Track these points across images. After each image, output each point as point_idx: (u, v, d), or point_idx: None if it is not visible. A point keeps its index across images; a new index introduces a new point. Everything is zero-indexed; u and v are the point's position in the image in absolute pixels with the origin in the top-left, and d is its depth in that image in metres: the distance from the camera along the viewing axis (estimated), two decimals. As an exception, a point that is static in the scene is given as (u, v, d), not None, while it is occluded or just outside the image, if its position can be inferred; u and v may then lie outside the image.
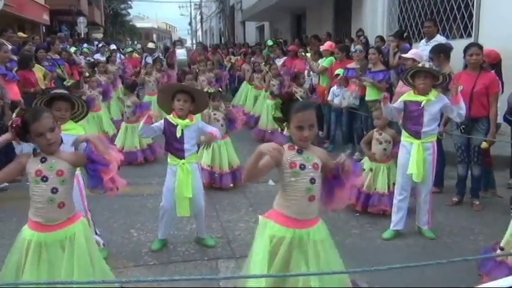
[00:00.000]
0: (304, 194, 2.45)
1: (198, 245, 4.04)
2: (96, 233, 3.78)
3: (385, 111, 4.17)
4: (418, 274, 3.37)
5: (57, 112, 3.33)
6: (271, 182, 5.49)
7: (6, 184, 5.14)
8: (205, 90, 5.75)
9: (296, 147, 2.48)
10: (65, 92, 3.81)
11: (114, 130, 7.73)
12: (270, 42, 12.59)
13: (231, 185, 5.61)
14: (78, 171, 3.19)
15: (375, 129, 4.89)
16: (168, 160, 3.90)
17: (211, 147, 5.59)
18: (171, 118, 3.80)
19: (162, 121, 3.84)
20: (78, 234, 2.61)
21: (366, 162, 4.81)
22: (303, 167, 2.44)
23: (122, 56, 13.54)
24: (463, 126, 4.83)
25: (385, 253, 3.92)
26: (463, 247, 3.97)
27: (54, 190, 2.52)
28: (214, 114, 5.64)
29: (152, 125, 3.81)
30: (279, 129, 2.86)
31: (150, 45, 13.22)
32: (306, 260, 2.43)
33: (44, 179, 2.52)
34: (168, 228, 4.01)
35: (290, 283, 2.41)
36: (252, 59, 11.36)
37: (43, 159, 2.54)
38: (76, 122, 3.54)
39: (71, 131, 3.39)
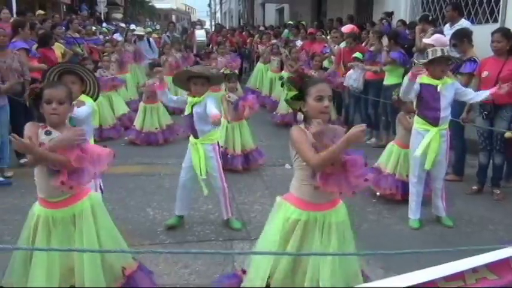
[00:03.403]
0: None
1: (213, 225, 4.06)
2: None
3: (407, 88, 3.93)
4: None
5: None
6: (287, 166, 5.47)
7: (26, 160, 5.21)
8: (222, 71, 5.72)
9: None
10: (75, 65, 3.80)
11: (125, 110, 7.76)
12: (294, 22, 12.35)
13: (240, 167, 5.56)
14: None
15: (401, 113, 4.72)
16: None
17: (225, 128, 5.57)
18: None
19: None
20: (86, 212, 2.51)
21: (395, 149, 4.72)
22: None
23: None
24: (486, 113, 4.72)
25: (401, 240, 3.88)
26: (481, 237, 3.90)
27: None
28: (228, 96, 5.60)
29: (169, 95, 4.05)
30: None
31: (139, 30, 11.79)
32: (317, 243, 2.38)
33: None
34: (184, 205, 4.02)
35: (302, 271, 2.38)
36: (275, 41, 11.19)
37: (48, 132, 2.43)
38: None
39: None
